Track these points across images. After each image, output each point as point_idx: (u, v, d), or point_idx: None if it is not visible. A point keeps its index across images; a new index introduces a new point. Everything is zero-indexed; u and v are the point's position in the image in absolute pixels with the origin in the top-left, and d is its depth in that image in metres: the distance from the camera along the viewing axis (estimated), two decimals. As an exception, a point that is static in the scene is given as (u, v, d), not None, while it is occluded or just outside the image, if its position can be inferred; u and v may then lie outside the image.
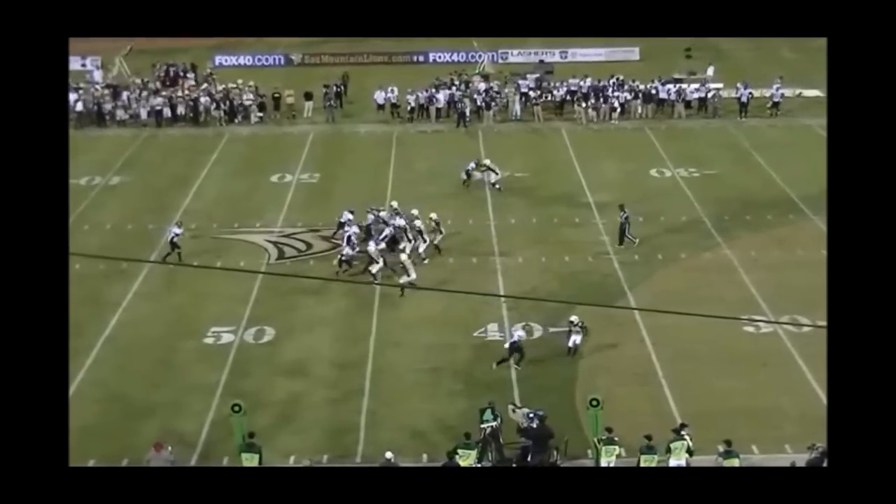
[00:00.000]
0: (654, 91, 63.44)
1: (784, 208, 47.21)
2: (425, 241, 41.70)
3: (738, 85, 63.73)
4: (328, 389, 32.81)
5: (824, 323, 34.45)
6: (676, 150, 56.13)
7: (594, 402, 28.84)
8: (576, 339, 34.41)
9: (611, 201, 46.85)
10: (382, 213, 43.49)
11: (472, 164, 49.80)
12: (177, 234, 41.51)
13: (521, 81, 65.49)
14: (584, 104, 62.36)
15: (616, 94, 63.18)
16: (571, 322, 34.52)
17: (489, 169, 49.79)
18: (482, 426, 28.92)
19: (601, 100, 62.75)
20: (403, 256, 39.57)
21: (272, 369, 34.11)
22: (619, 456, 27.83)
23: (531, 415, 29.03)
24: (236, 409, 28.54)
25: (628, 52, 77.88)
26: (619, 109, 62.25)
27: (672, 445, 27.59)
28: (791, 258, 41.57)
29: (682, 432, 28.05)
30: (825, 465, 26.72)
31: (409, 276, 38.59)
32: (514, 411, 29.79)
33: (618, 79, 64.74)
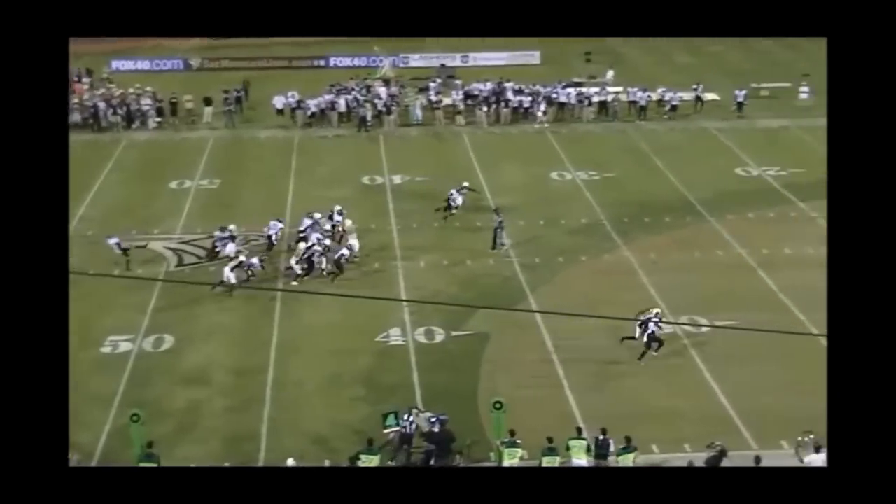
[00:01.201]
0: (554, 95, 63.82)
1: (682, 211, 47.75)
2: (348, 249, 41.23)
3: (636, 89, 64.42)
4: (229, 397, 32.52)
5: (723, 323, 35.04)
6: (577, 153, 56.52)
7: (497, 405, 28.90)
8: (654, 330, 34.46)
9: (512, 204, 47.07)
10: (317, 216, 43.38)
11: (454, 191, 46.87)
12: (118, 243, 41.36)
13: (431, 85, 65.56)
14: (485, 108, 62.56)
15: (517, 97, 63.48)
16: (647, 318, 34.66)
17: (470, 190, 48.21)
18: (385, 431, 28.86)
19: (502, 103, 62.99)
20: (255, 260, 40.05)
21: (172, 378, 33.71)
22: (521, 458, 27.87)
23: (433, 419, 29.01)
24: (135, 418, 28.18)
25: (529, 55, 78.26)
26: (522, 112, 62.67)
27: (571, 444, 27.74)
28: (689, 260, 42.05)
29: (583, 434, 28.24)
30: (723, 464, 27.11)
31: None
32: (417, 415, 29.74)
33: (517, 85, 65.09)
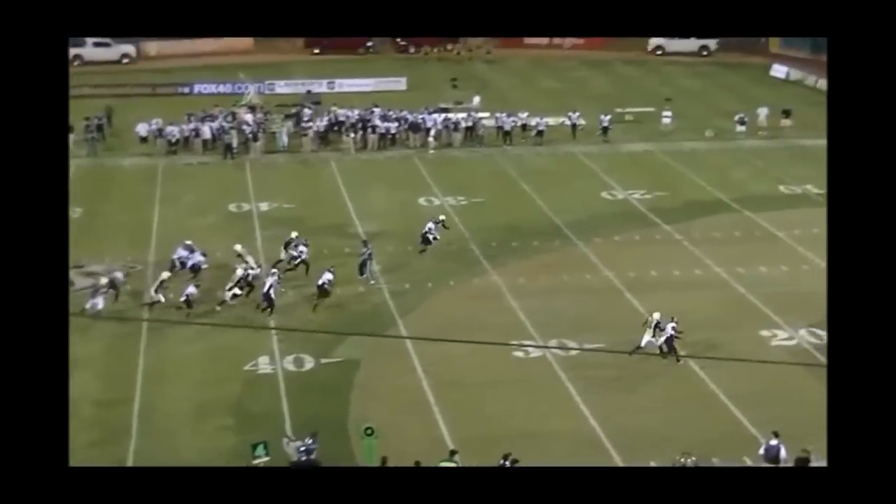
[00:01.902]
0: (421, 120, 63.95)
1: (550, 234, 48.10)
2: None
3: (502, 114, 64.90)
4: (94, 429, 31.72)
5: (591, 346, 35.27)
6: (444, 178, 56.65)
7: (368, 432, 28.72)
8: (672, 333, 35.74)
9: (381, 230, 46.98)
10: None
11: (431, 224, 45.83)
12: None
13: (305, 110, 65.23)
14: (352, 134, 62.42)
15: (384, 124, 63.45)
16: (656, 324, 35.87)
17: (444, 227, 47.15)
18: (254, 462, 28.45)
19: (369, 129, 62.91)
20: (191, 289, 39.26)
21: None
22: (393, 485, 27.62)
23: (302, 448, 28.72)
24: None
25: (396, 81, 78.48)
26: (388, 138, 62.65)
27: (443, 465, 27.64)
28: (558, 283, 42.32)
29: (456, 456, 28.17)
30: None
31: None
32: (287, 444, 29.40)
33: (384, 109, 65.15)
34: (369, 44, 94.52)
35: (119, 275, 39.30)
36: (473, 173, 58.09)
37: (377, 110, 64.94)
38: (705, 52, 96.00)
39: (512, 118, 64.61)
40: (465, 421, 32.14)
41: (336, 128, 63.72)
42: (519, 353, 36.20)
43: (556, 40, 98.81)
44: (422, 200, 53.20)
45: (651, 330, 36.14)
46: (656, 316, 36.29)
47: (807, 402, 33.04)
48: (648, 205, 52.64)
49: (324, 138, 63.19)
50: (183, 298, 38.91)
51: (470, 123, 64.33)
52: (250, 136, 61.47)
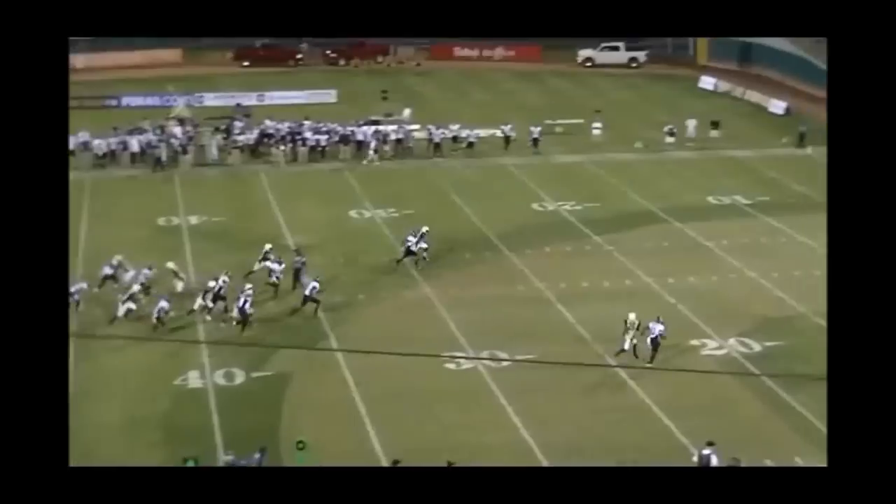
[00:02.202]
0: (351, 132, 63.83)
1: (481, 246, 48.14)
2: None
3: (433, 126, 64.92)
4: (20, 447, 31.26)
5: (523, 357, 35.30)
6: (375, 190, 56.54)
7: (300, 445, 28.56)
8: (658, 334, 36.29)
9: (312, 243, 46.75)
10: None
11: (412, 238, 45.45)
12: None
13: (237, 124, 64.84)
14: (282, 147, 62.16)
15: (315, 136, 63.25)
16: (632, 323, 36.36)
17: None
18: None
19: (299, 142, 62.69)
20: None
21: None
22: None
23: (253, 464, 28.50)
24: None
25: (326, 94, 78.32)
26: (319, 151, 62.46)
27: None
28: (489, 295, 42.31)
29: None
30: None
31: None
32: (235, 460, 29.08)
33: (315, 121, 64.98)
34: (299, 56, 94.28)
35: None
36: (404, 185, 58.02)
37: (307, 123, 64.74)
38: (634, 65, 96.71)
39: (442, 130, 64.66)
40: (398, 433, 32.01)
41: (266, 140, 63.41)
42: (451, 365, 36.16)
43: (487, 52, 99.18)
44: (353, 213, 53.08)
45: (632, 331, 36.48)
46: (632, 316, 36.63)
47: (737, 410, 33.38)
48: (579, 216, 52.84)
49: (254, 151, 62.88)
50: (156, 315, 38.40)
51: (401, 135, 64.28)
52: (179, 149, 61.05)
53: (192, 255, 46.27)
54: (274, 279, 41.84)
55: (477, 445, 31.31)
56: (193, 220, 51.22)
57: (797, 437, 31.92)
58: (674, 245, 48.88)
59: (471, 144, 64.51)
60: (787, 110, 77.23)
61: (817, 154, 65.04)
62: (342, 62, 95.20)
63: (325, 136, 63.40)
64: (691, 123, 68.55)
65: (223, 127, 64.71)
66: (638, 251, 47.57)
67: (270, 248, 43.56)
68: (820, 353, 36.52)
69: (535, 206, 54.80)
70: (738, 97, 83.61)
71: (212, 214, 51.87)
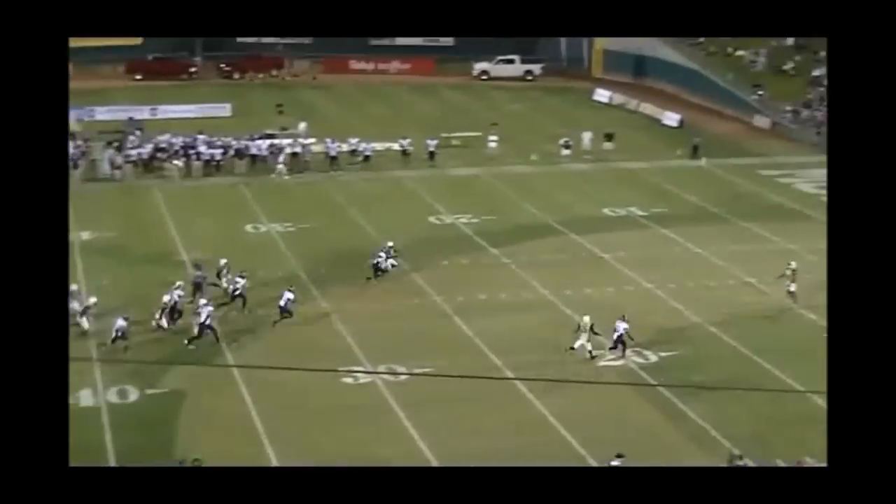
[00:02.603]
0: (245, 146, 63.38)
1: (378, 259, 47.93)
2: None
3: (329, 140, 64.70)
4: None
5: (420, 371, 35.21)
6: (271, 205, 56.18)
7: (196, 462, 28.15)
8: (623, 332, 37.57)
9: (207, 258, 46.17)
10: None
11: (382, 254, 45.26)
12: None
13: (129, 137, 64.02)
14: (176, 161, 61.50)
15: (209, 150, 62.69)
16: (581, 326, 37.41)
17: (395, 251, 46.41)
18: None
19: (193, 156, 62.07)
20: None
21: None
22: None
23: None
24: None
25: (220, 108, 77.71)
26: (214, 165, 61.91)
27: None
28: (386, 308, 42.17)
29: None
30: None
31: None
32: None
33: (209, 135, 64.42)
34: (193, 69, 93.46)
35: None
36: (301, 199, 57.76)
37: (201, 137, 64.14)
38: (530, 77, 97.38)
39: (339, 143, 64.45)
40: (295, 449, 31.70)
41: (160, 154, 62.68)
42: (348, 380, 35.97)
43: (382, 65, 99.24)
44: (249, 227, 52.67)
45: (586, 334, 37.12)
46: (587, 319, 37.13)
47: (634, 420, 33.57)
48: (476, 229, 52.93)
49: (147, 165, 62.12)
50: (114, 334, 37.61)
51: (298, 149, 63.94)
52: (70, 163, 60.01)
53: (83, 272, 45.41)
54: (241, 292, 41.59)
55: (374, 459, 31.09)
56: (85, 235, 50.27)
57: (692, 445, 32.21)
58: (570, 257, 49.14)
59: (367, 158, 64.40)
60: (681, 122, 78.26)
61: (711, 165, 66.10)
62: (236, 76, 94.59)
63: (220, 150, 62.88)
64: (586, 136, 69.14)
65: (115, 141, 63.83)
66: (535, 263, 47.74)
67: (226, 263, 43.39)
68: (714, 362, 37.63)
69: (431, 219, 54.81)
70: (633, 110, 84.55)
71: (104, 230, 51.08)
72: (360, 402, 34.62)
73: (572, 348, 37.30)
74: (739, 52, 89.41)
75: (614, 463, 28.77)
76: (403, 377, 35.99)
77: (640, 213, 55.88)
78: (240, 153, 63.01)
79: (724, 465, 28.87)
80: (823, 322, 40.37)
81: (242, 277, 41.88)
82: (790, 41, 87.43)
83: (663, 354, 38.35)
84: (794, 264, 42.63)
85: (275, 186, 60.05)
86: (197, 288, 41.76)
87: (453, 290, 44.14)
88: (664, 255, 49.56)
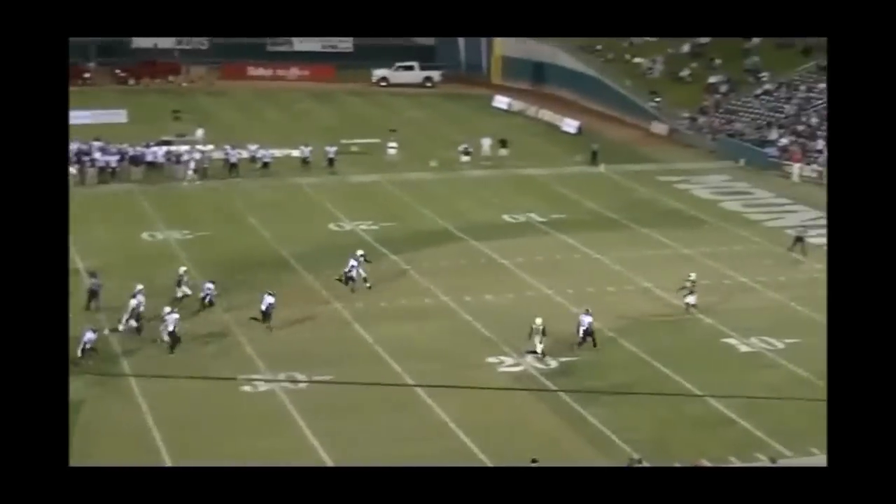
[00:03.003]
0: (141, 153, 62.65)
1: (277, 267, 47.63)
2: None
3: (227, 146, 64.20)
4: None
5: (320, 378, 34.98)
6: (168, 212, 55.56)
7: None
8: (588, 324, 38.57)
9: (103, 266, 45.47)
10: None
11: (354, 262, 44.74)
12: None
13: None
14: (70, 168, 60.44)
15: (104, 157, 61.85)
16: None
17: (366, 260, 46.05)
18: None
19: (88, 163, 61.16)
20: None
21: None
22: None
23: None
24: None
25: (115, 114, 76.74)
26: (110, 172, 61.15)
27: None
28: (286, 316, 41.75)
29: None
30: None
31: None
32: None
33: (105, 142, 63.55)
34: (87, 75, 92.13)
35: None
36: (199, 206, 57.18)
37: (96, 143, 63.22)
38: (429, 84, 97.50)
39: (238, 150, 63.97)
40: (194, 459, 31.24)
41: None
42: (247, 388, 35.58)
43: (281, 71, 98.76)
44: (145, 235, 52.03)
45: (539, 335, 37.47)
46: (539, 321, 37.43)
47: (534, 425, 33.65)
48: (376, 235, 52.79)
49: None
50: (81, 346, 36.54)
51: (197, 156, 63.33)
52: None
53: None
54: (208, 300, 41.75)
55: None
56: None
57: (592, 449, 32.35)
58: (470, 263, 49.20)
59: (266, 165, 63.98)
60: (580, 129, 78.86)
61: (609, 171, 66.67)
62: (132, 81, 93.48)
63: (115, 157, 62.04)
64: (486, 142, 69.37)
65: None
66: (434, 270, 47.72)
67: (186, 271, 43.19)
68: (612, 368, 37.82)
69: (331, 225, 54.58)
70: (532, 116, 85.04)
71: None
72: (259, 411, 34.29)
73: (533, 352, 37.69)
74: (637, 60, 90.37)
75: None
76: (303, 385, 35.74)
77: (540, 219, 56.15)
78: (135, 160, 62.24)
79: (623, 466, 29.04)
80: (721, 326, 41.03)
81: (212, 283, 42.26)
82: (686, 48, 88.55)
83: (563, 360, 38.48)
84: (693, 276, 43.09)
85: (173, 194, 59.42)
86: (92, 296, 41.11)
87: (353, 297, 43.93)
88: (564, 261, 49.82)
